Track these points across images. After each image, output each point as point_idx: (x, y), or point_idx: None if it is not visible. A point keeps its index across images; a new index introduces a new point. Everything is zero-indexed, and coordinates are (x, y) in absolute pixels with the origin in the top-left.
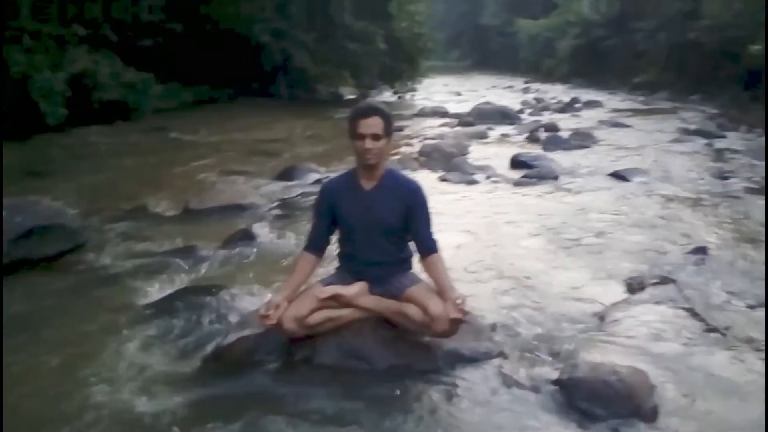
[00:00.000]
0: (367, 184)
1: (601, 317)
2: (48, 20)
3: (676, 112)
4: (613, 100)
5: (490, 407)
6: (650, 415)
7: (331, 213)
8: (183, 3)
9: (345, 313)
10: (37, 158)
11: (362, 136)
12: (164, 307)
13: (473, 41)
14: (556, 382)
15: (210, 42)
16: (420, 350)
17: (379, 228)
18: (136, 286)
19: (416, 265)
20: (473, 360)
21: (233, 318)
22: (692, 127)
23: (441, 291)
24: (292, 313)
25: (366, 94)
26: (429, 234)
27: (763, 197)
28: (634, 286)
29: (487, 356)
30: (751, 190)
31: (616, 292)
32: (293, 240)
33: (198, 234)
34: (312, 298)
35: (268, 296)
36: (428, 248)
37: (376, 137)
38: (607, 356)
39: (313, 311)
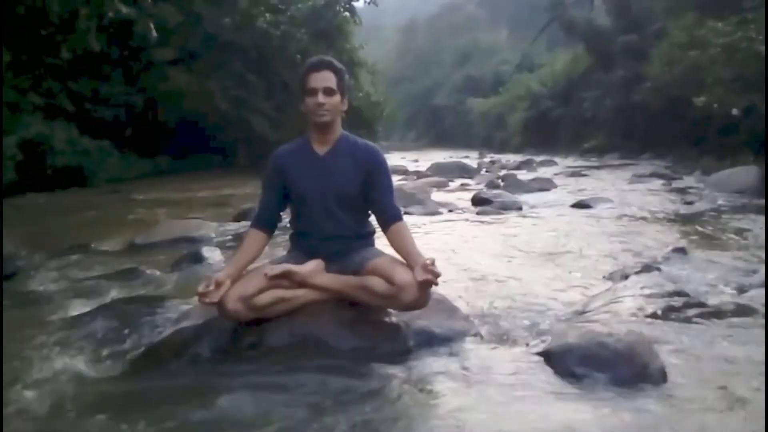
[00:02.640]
0: (321, 149)
1: (584, 305)
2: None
3: (629, 167)
4: (566, 161)
5: (472, 385)
6: (659, 378)
7: (282, 184)
8: (145, 79)
9: (299, 293)
10: None
11: (314, 91)
12: (95, 316)
13: (429, 121)
14: (542, 354)
15: (170, 115)
16: (387, 331)
17: (336, 196)
18: (67, 303)
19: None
20: (447, 339)
21: (168, 320)
22: (648, 172)
23: (408, 258)
24: (237, 291)
25: None
26: (391, 201)
27: (732, 215)
28: (617, 277)
29: (462, 335)
30: (716, 210)
31: (597, 285)
32: None
33: (142, 261)
34: (260, 277)
35: None
36: (391, 216)
37: (328, 91)
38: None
39: (261, 291)
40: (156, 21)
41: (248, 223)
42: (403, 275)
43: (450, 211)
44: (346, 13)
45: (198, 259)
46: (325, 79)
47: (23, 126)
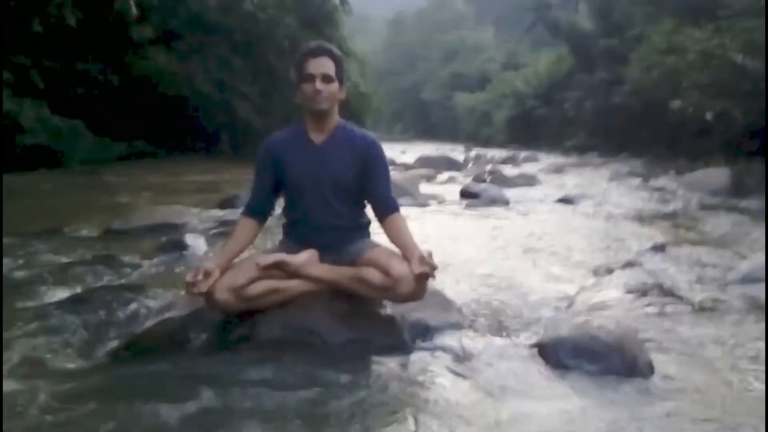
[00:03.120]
0: (317, 137)
1: (571, 298)
2: None
3: (608, 165)
4: (549, 158)
5: (468, 376)
6: (647, 371)
7: (276, 172)
8: (121, 56)
9: (292, 284)
10: None
11: (311, 77)
12: (71, 305)
13: (415, 115)
14: (536, 345)
15: (148, 96)
16: (382, 323)
17: (332, 186)
18: (42, 290)
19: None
20: (442, 332)
21: (151, 309)
22: (626, 171)
23: (405, 250)
24: (226, 281)
25: None
26: (388, 192)
27: (707, 214)
28: (602, 272)
29: (457, 327)
30: (691, 209)
31: (584, 279)
32: None
33: (120, 249)
34: (251, 266)
35: None
36: (388, 207)
37: (326, 78)
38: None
39: (252, 281)
40: None
41: (234, 210)
42: (399, 267)
43: (439, 203)
44: (336, 1)
45: (180, 246)
46: (324, 65)
47: None
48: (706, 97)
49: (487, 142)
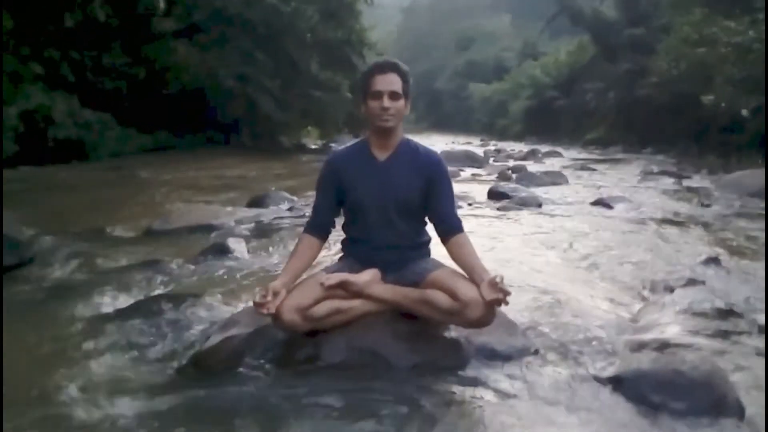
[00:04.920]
0: (381, 154)
1: (634, 319)
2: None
3: (634, 161)
4: (570, 152)
5: (541, 410)
6: (736, 410)
7: (339, 189)
8: (145, 49)
9: (355, 304)
10: None
11: (378, 94)
12: (128, 316)
13: (429, 105)
14: (613, 379)
15: (171, 89)
16: (446, 346)
17: (395, 204)
18: (94, 297)
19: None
20: (508, 357)
21: (212, 323)
22: (656, 169)
23: (472, 273)
24: (293, 302)
25: (329, 143)
26: (452, 211)
27: (752, 221)
28: (660, 289)
29: (524, 353)
30: (735, 215)
31: (643, 297)
32: (274, 258)
33: (163, 251)
34: (316, 286)
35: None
36: (452, 227)
37: (394, 96)
38: (654, 353)
39: (317, 301)
40: None
41: (264, 210)
42: (467, 291)
43: (469, 204)
44: None
45: (223, 251)
46: (391, 82)
47: (24, 96)
48: (740, 92)
49: (503, 134)
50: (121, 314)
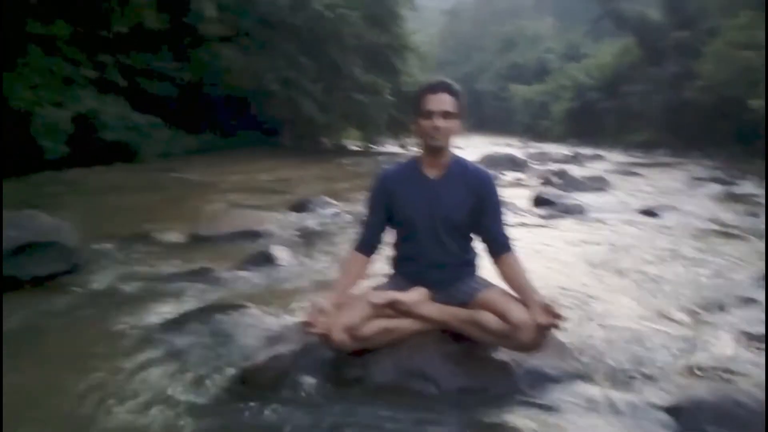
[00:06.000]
0: (432, 173)
1: (687, 340)
2: (57, 60)
3: (680, 165)
4: (614, 156)
5: None
6: None
7: (388, 207)
8: (194, 55)
9: (403, 324)
10: (35, 193)
11: (430, 114)
12: (177, 327)
13: (469, 106)
14: (671, 409)
15: (217, 92)
16: (495, 369)
17: (445, 223)
18: (144, 307)
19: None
20: (558, 381)
21: (259, 338)
22: (703, 175)
23: (522, 294)
24: (342, 321)
25: (370, 145)
26: (502, 230)
27: None
28: (713, 308)
29: (575, 377)
30: None
31: (695, 316)
32: (317, 266)
33: (209, 258)
34: (365, 305)
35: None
36: (502, 247)
37: (446, 115)
38: (711, 381)
39: (366, 320)
40: None
41: (307, 215)
42: (519, 314)
43: (513, 213)
44: None
45: (268, 259)
46: (444, 101)
47: (76, 99)
48: None
49: (544, 135)
50: (168, 326)
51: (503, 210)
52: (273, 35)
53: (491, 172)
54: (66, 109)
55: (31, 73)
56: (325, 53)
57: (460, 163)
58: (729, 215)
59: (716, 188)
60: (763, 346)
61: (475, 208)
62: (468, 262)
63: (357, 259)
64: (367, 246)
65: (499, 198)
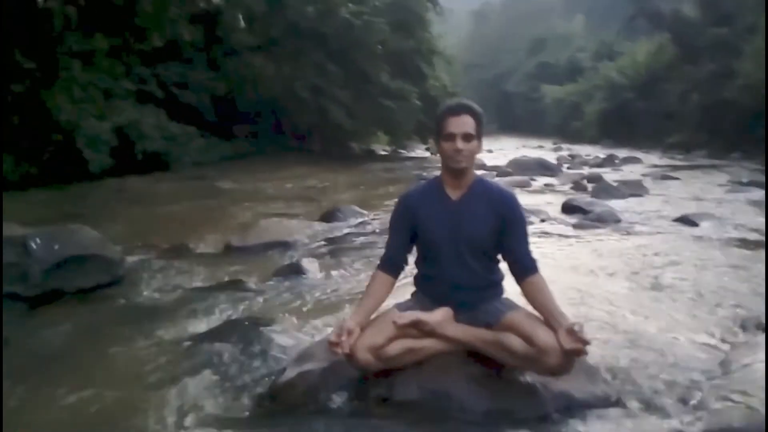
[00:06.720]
0: (455, 193)
1: (724, 362)
2: (98, 73)
3: (720, 168)
4: (650, 158)
5: None
6: None
7: (411, 227)
8: (226, 65)
9: (427, 344)
10: (76, 203)
11: (452, 136)
12: (211, 341)
13: (499, 107)
14: None
15: (248, 99)
16: (522, 392)
17: (468, 243)
18: (180, 319)
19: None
20: (588, 406)
21: (289, 353)
22: (744, 179)
23: (548, 317)
24: (366, 341)
25: (399, 150)
26: (527, 251)
27: None
28: (752, 327)
29: (605, 402)
30: None
31: (733, 335)
32: (346, 278)
33: (242, 270)
34: (389, 325)
35: (328, 330)
36: (527, 268)
37: (467, 137)
38: (745, 408)
39: (390, 340)
40: (241, 10)
41: (336, 225)
42: (545, 337)
43: (542, 220)
44: (428, 2)
45: (298, 271)
46: (464, 124)
47: (117, 111)
48: None
49: (577, 137)
50: (202, 338)
51: (528, 230)
52: (302, 44)
53: (521, 178)
54: (107, 121)
55: (74, 87)
56: (352, 60)
57: (482, 183)
58: None
59: (757, 193)
60: None
61: (498, 229)
62: (493, 284)
63: (381, 279)
64: (392, 266)
65: (524, 218)
